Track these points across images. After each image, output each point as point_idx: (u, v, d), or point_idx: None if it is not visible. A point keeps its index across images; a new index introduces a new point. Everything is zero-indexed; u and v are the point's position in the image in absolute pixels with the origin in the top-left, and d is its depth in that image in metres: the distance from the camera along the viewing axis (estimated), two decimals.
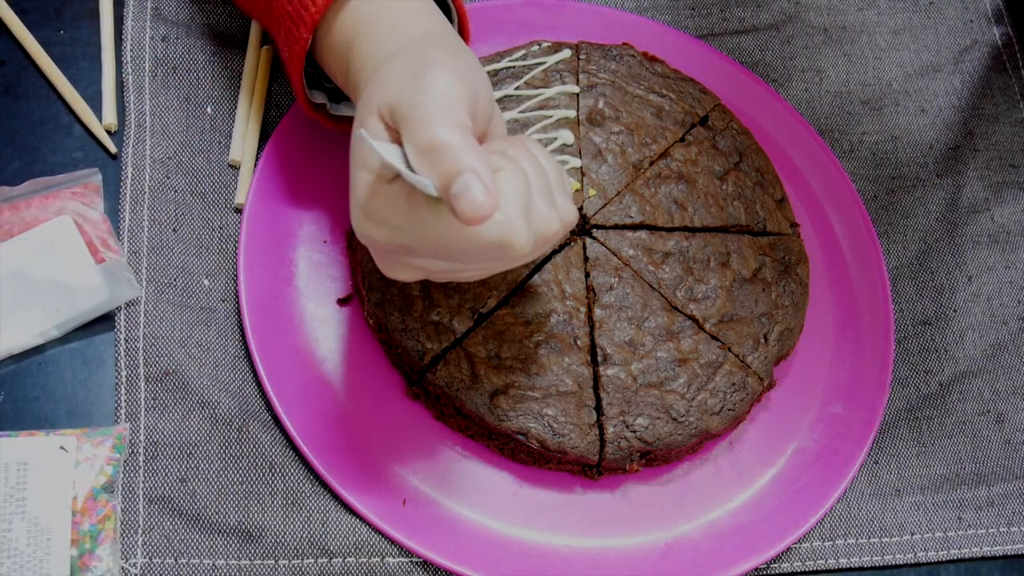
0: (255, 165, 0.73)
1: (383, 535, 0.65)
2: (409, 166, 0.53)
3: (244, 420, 0.67)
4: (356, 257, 0.70)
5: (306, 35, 0.63)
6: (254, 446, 0.67)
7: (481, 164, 0.51)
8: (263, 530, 0.65)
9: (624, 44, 0.80)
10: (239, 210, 0.73)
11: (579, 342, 0.69)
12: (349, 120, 0.69)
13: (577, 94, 0.77)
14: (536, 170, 0.56)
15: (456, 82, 0.54)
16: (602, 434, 0.68)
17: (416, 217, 0.53)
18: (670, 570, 0.67)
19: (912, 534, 0.73)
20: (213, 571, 0.64)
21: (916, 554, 0.72)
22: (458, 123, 0.53)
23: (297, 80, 0.66)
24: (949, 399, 0.78)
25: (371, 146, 0.52)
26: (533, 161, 0.56)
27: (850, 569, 0.72)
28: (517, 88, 0.75)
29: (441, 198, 0.52)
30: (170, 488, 0.65)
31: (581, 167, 0.74)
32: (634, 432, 0.68)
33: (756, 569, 0.69)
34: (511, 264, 0.58)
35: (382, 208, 0.54)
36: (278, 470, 0.66)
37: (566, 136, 0.74)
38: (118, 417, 0.66)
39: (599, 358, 0.69)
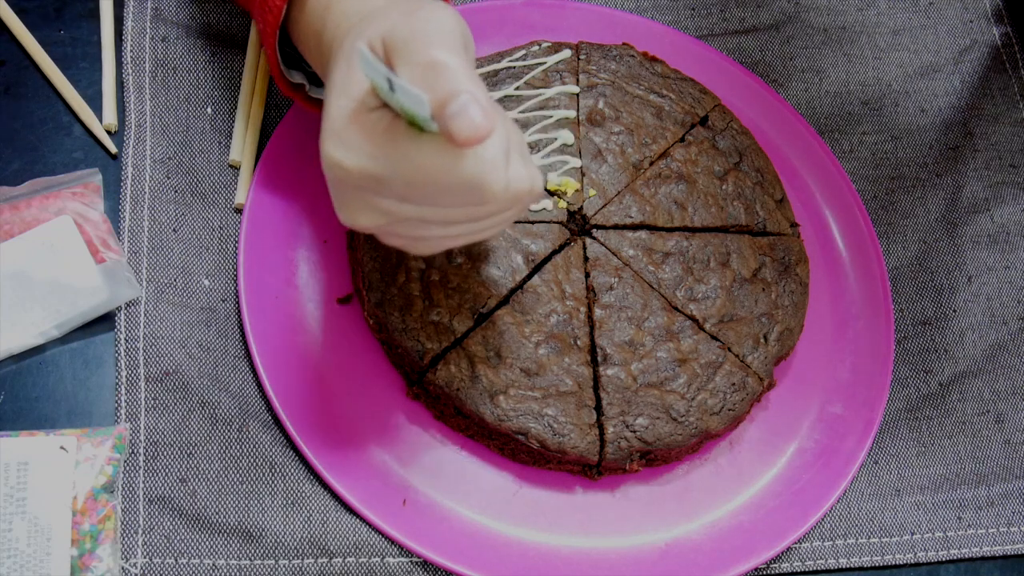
0: (255, 165, 0.73)
1: (383, 535, 0.65)
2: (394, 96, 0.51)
3: (244, 420, 0.67)
4: (356, 257, 0.70)
5: (280, 2, 0.62)
6: (254, 446, 0.67)
7: (480, 88, 0.50)
8: (263, 530, 0.65)
9: (624, 44, 0.80)
10: (239, 210, 0.73)
11: (579, 342, 0.69)
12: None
13: (577, 94, 0.77)
14: (513, 128, 0.55)
15: (454, 18, 0.53)
16: (602, 434, 0.68)
17: (395, 146, 0.51)
18: (670, 570, 0.67)
19: (912, 534, 0.73)
20: (213, 571, 0.64)
21: (916, 554, 0.72)
22: (458, 49, 0.52)
23: (271, 52, 0.65)
24: (949, 399, 0.78)
25: (368, 60, 0.49)
26: (509, 120, 0.55)
27: (850, 569, 0.72)
28: (517, 88, 0.75)
29: (424, 130, 0.50)
30: (170, 488, 0.65)
31: (581, 167, 0.74)
32: (634, 432, 0.68)
33: (756, 569, 0.69)
34: (479, 216, 0.55)
35: (359, 134, 0.52)
36: (278, 470, 0.66)
37: (566, 136, 0.74)
38: (118, 417, 0.66)
39: (599, 358, 0.69)
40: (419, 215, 0.55)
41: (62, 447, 0.62)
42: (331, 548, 0.65)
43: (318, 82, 0.70)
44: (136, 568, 0.63)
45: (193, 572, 0.63)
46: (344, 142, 0.53)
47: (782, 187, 0.79)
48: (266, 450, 0.67)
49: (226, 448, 0.66)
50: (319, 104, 0.69)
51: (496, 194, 0.52)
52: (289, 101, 0.76)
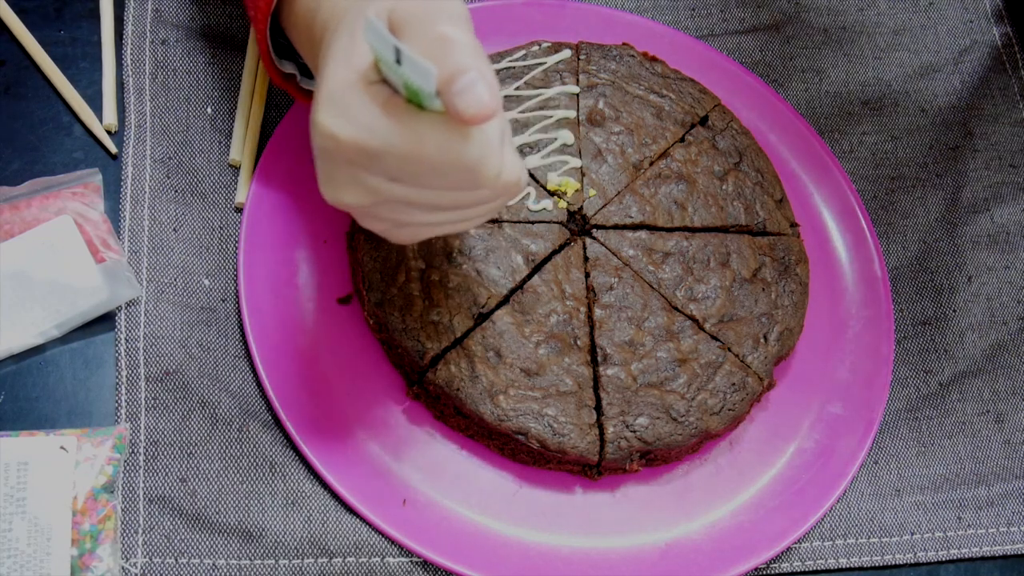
0: (255, 165, 0.73)
1: (383, 535, 0.65)
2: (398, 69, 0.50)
3: (244, 420, 0.67)
4: (356, 257, 0.70)
5: None
6: (254, 446, 0.67)
7: (488, 67, 0.49)
8: (263, 530, 0.65)
9: (624, 44, 0.80)
10: (239, 210, 0.73)
11: (579, 342, 0.69)
12: None
13: (577, 94, 0.77)
14: (505, 119, 0.54)
15: (462, 4, 0.52)
16: (602, 434, 0.68)
17: (394, 121, 0.50)
18: (670, 570, 0.67)
19: (912, 534, 0.73)
20: (213, 571, 0.64)
21: (916, 554, 0.72)
22: (467, 28, 0.51)
23: (262, 40, 0.64)
24: (949, 399, 0.78)
25: (377, 29, 0.48)
26: (501, 111, 0.54)
27: (850, 569, 0.72)
28: (517, 88, 0.75)
29: (424, 107, 0.50)
30: (170, 488, 0.65)
31: (581, 167, 0.74)
32: (634, 432, 0.68)
33: (756, 569, 0.69)
34: (465, 203, 0.54)
35: (356, 105, 0.51)
36: (278, 470, 0.66)
37: (566, 136, 0.74)
38: (118, 417, 0.66)
39: (599, 358, 0.69)
40: (406, 197, 0.53)
41: (62, 447, 0.62)
42: (331, 548, 0.65)
43: (309, 73, 0.69)
44: (136, 568, 0.63)
45: (193, 572, 0.63)
46: (340, 112, 0.51)
47: (782, 187, 0.79)
48: (266, 450, 0.67)
49: (226, 448, 0.66)
50: (310, 95, 0.69)
51: (489, 179, 0.51)
52: (289, 101, 0.76)
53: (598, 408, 0.68)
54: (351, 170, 0.53)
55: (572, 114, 0.75)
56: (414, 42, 0.50)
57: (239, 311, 0.70)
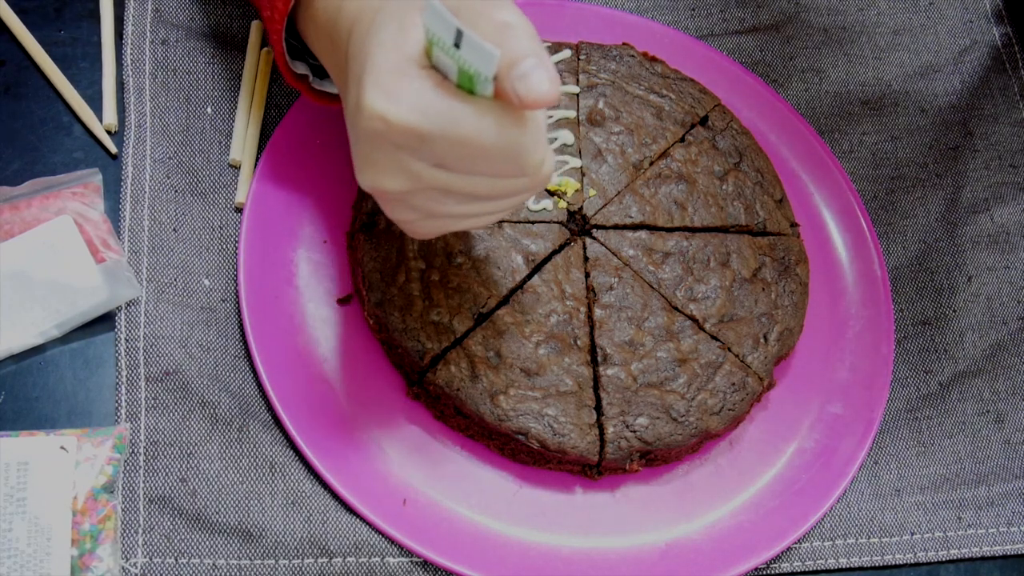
0: (255, 165, 0.73)
1: (383, 535, 0.65)
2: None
3: (244, 420, 0.67)
4: (356, 257, 0.70)
5: None
6: (254, 446, 0.67)
7: (547, 55, 0.50)
8: (263, 530, 0.65)
9: (624, 44, 0.80)
10: (239, 210, 0.73)
11: (579, 342, 0.69)
12: (329, 96, 0.69)
13: (577, 94, 0.77)
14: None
15: None
16: (602, 434, 0.68)
17: (447, 104, 0.50)
18: (670, 570, 0.67)
19: (912, 534, 0.73)
20: (213, 571, 0.64)
21: (916, 554, 0.72)
22: (523, 15, 0.51)
23: (278, 40, 0.65)
24: (949, 399, 0.78)
25: (440, 11, 0.48)
26: None
27: (850, 569, 0.72)
28: None
29: (474, 93, 0.50)
30: (170, 488, 0.65)
31: (581, 167, 0.74)
32: (634, 432, 0.68)
33: (756, 569, 0.69)
34: (501, 192, 0.55)
35: (408, 88, 0.51)
36: (278, 470, 0.66)
37: (566, 136, 0.74)
38: (118, 417, 0.66)
39: (599, 358, 0.69)
40: (447, 184, 0.53)
41: (62, 447, 0.62)
42: (331, 548, 0.65)
43: (321, 74, 0.70)
44: (136, 568, 0.63)
45: (193, 572, 0.63)
46: (391, 95, 0.51)
47: (782, 187, 0.79)
48: (266, 450, 0.67)
49: (226, 448, 0.66)
50: (323, 96, 0.69)
51: (534, 166, 0.52)
52: (289, 102, 0.76)
53: (598, 408, 0.68)
54: (396, 154, 0.53)
55: (572, 114, 0.75)
56: (479, 24, 0.50)
57: (239, 311, 0.70)
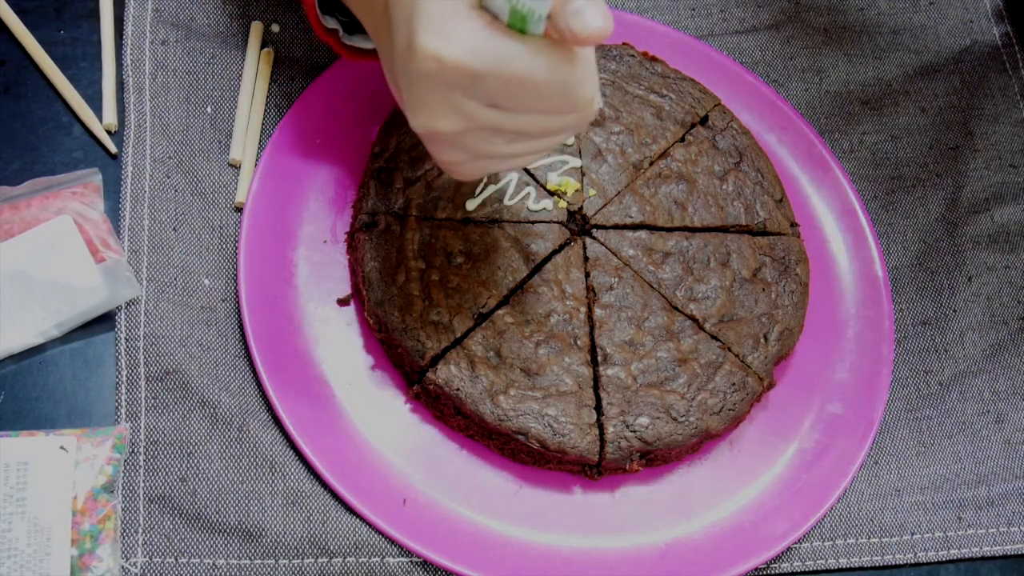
0: (255, 165, 0.73)
1: (383, 535, 0.65)
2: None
3: (244, 420, 0.67)
4: (356, 257, 0.70)
5: None
6: (254, 446, 0.67)
7: None
8: (263, 530, 0.65)
9: (624, 44, 0.80)
10: (239, 210, 0.73)
11: (579, 342, 0.69)
12: (360, 51, 0.69)
13: None
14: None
15: None
16: (602, 434, 0.68)
17: (500, 43, 0.51)
18: (670, 570, 0.67)
19: (912, 534, 0.73)
20: (213, 571, 0.64)
21: (916, 554, 0.72)
22: None
23: None
24: (949, 399, 0.78)
25: None
26: None
27: (850, 569, 0.72)
28: None
29: (529, 32, 0.51)
30: (170, 488, 0.65)
31: (581, 167, 0.74)
32: (634, 432, 0.68)
33: (756, 569, 0.69)
34: (552, 129, 0.56)
35: (461, 28, 0.51)
36: (278, 470, 0.66)
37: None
38: (118, 417, 0.66)
39: (599, 358, 0.69)
40: (499, 123, 0.54)
41: (62, 447, 0.62)
42: (331, 548, 0.65)
43: (351, 30, 0.70)
44: (136, 568, 0.63)
45: (193, 572, 0.63)
46: (444, 35, 0.51)
47: (782, 187, 0.79)
48: (266, 450, 0.67)
49: (226, 448, 0.66)
50: (353, 51, 0.70)
51: (587, 101, 0.52)
52: (289, 101, 0.76)
53: (598, 408, 0.68)
54: (449, 94, 0.53)
55: None
56: None
57: (239, 311, 0.70)
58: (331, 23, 0.69)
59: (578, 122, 0.56)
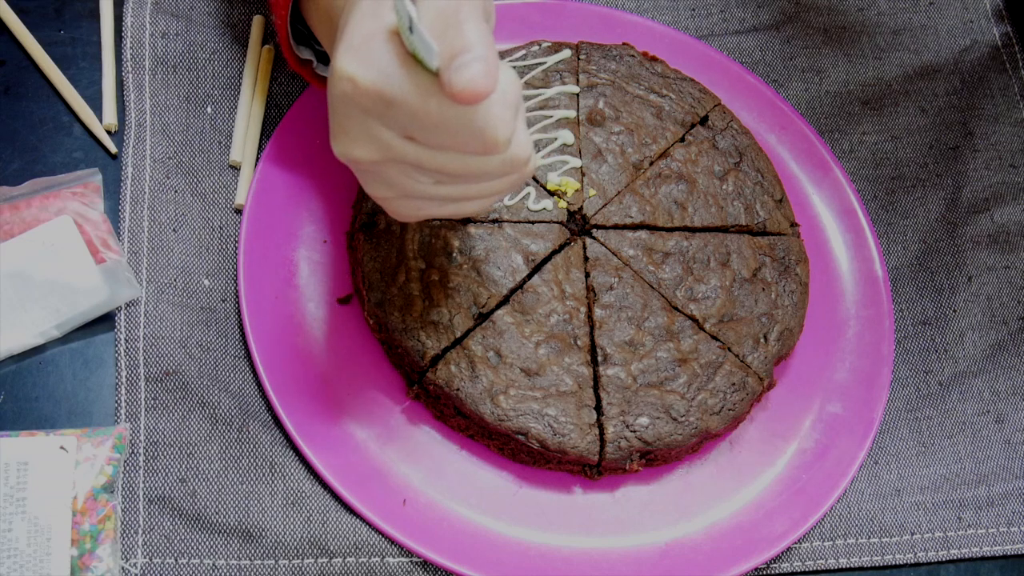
0: (255, 165, 0.73)
1: (383, 535, 0.65)
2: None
3: (244, 420, 0.67)
4: (356, 257, 0.70)
5: None
6: (254, 446, 0.67)
7: (492, 50, 0.49)
8: (263, 530, 0.65)
9: (624, 44, 0.80)
10: (239, 210, 0.73)
11: (579, 342, 0.69)
12: None
13: (577, 94, 0.77)
14: (521, 99, 0.54)
15: None
16: (602, 434, 0.68)
17: (412, 72, 0.50)
18: (670, 570, 0.67)
19: (912, 534, 0.73)
20: (213, 571, 0.64)
21: (916, 554, 0.72)
22: (480, 9, 0.51)
23: (283, 24, 0.65)
24: (949, 399, 0.78)
25: None
26: (520, 89, 0.54)
27: (850, 569, 0.72)
28: None
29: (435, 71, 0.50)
30: (170, 488, 0.65)
31: (581, 167, 0.74)
32: (634, 432, 0.68)
33: (756, 569, 0.69)
34: (473, 173, 0.54)
35: (378, 53, 0.51)
36: (278, 470, 0.66)
37: (566, 136, 0.74)
38: (118, 417, 0.66)
39: (599, 358, 0.69)
40: (416, 158, 0.53)
41: (62, 447, 0.62)
42: (331, 548, 0.65)
43: (326, 60, 0.70)
44: (136, 568, 0.63)
45: (193, 572, 0.63)
46: (361, 57, 0.51)
47: (782, 187, 0.79)
48: (266, 450, 0.67)
49: (226, 448, 0.66)
50: (325, 82, 0.69)
51: (497, 144, 0.51)
52: (289, 101, 0.76)
53: (598, 408, 0.68)
54: (365, 120, 0.53)
55: (572, 114, 0.75)
56: (430, 7, 0.50)
57: (239, 311, 0.70)
58: (306, 53, 0.69)
59: (504, 168, 0.54)
